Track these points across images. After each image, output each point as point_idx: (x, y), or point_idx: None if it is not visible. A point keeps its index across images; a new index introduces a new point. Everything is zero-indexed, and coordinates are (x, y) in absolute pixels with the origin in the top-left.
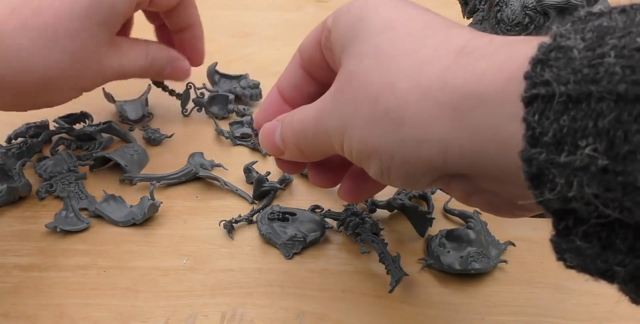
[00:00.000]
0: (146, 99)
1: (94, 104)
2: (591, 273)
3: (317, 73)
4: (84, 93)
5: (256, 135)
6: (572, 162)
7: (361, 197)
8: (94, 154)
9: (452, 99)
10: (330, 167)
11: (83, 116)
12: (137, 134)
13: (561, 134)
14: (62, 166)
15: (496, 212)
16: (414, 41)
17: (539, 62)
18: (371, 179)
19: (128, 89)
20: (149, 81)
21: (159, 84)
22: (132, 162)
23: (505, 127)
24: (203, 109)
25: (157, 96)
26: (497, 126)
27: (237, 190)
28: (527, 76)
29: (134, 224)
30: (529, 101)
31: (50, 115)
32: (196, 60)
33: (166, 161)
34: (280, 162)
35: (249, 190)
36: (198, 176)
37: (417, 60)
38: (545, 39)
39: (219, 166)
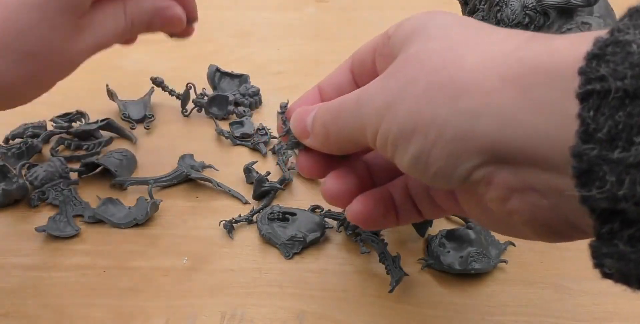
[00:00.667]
0: (149, 100)
1: (90, 103)
2: (631, 281)
3: (363, 79)
4: (83, 92)
5: (284, 123)
6: (625, 158)
7: (373, 223)
8: (83, 160)
9: (519, 72)
10: (325, 156)
11: (79, 115)
12: (136, 132)
13: (616, 130)
14: (53, 172)
15: (535, 226)
16: (483, 30)
17: (595, 57)
18: (384, 201)
19: (130, 89)
20: (150, 81)
21: (158, 83)
22: (121, 167)
23: (569, 104)
24: (203, 109)
25: (157, 96)
26: (561, 101)
27: (229, 190)
28: (582, 72)
29: (135, 224)
30: (583, 97)
31: (46, 115)
32: (190, 12)
33: (166, 161)
34: (303, 160)
35: (249, 190)
36: (190, 178)
37: (488, 41)
38: (602, 34)
39: (209, 167)
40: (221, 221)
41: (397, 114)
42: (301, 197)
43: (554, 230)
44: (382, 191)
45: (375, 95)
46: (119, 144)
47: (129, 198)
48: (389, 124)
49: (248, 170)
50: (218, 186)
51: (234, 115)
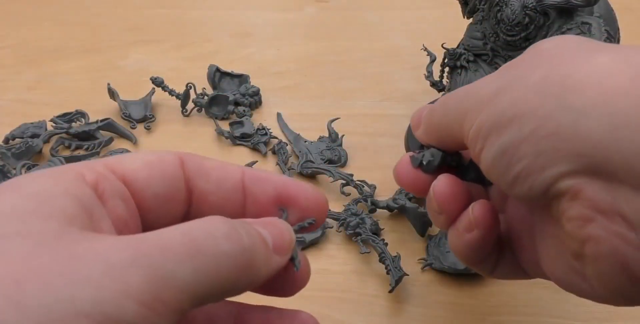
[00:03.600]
0: (150, 100)
1: (90, 103)
2: None
3: None
4: (83, 92)
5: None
6: None
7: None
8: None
9: None
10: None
11: (79, 115)
12: (136, 132)
13: None
14: None
15: (608, 266)
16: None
17: None
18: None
19: (130, 89)
20: (150, 81)
21: (158, 83)
22: None
23: None
24: (203, 109)
25: (157, 96)
26: None
27: None
28: None
29: None
30: None
31: (46, 115)
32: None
33: None
34: (400, 176)
35: None
36: None
37: (623, 47)
38: None
39: None
40: None
41: (499, 102)
42: None
43: (630, 276)
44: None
45: (486, 84)
46: (119, 144)
47: None
48: (488, 113)
49: None
50: None
51: (234, 115)
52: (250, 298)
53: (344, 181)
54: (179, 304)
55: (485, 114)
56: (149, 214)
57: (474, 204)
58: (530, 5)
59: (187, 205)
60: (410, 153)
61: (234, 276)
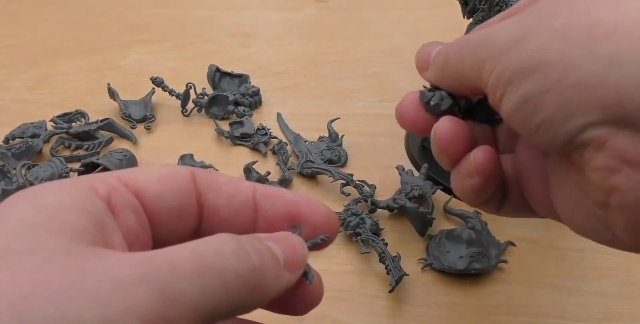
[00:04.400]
0: (150, 99)
1: (90, 103)
2: None
3: None
4: (83, 92)
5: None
6: None
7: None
8: (83, 161)
9: None
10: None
11: (79, 115)
12: (136, 132)
13: None
14: (53, 172)
15: (634, 216)
16: None
17: None
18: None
19: (130, 89)
20: (150, 81)
21: (158, 83)
22: (121, 167)
23: None
24: (203, 109)
25: (157, 96)
26: None
27: None
28: None
29: None
30: None
31: (46, 115)
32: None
33: (166, 161)
34: (403, 115)
35: None
36: None
37: None
38: None
39: (209, 167)
40: None
41: (523, 49)
42: None
43: None
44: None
45: (506, 29)
46: (119, 144)
47: None
48: (511, 59)
49: (248, 170)
50: None
51: (234, 115)
52: (263, 316)
53: (344, 181)
54: (187, 323)
55: (507, 60)
56: (160, 227)
57: (476, 150)
58: None
59: (199, 220)
60: (421, 89)
61: (243, 294)
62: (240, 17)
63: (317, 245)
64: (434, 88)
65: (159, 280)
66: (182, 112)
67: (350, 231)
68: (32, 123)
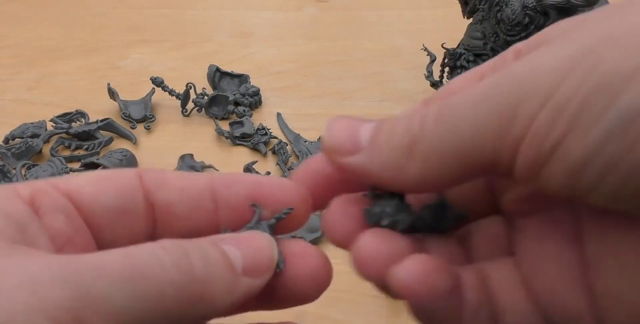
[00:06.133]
0: (150, 99)
1: (90, 103)
2: None
3: None
4: (83, 92)
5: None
6: None
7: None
8: (83, 161)
9: None
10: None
11: (79, 115)
12: (136, 132)
13: None
14: (53, 172)
15: None
16: None
17: None
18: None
19: (130, 89)
20: (150, 81)
21: (158, 83)
22: (122, 167)
23: None
24: (203, 109)
25: (157, 96)
26: None
27: None
28: None
29: None
30: None
31: (46, 115)
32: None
33: (166, 161)
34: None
35: None
36: None
37: None
38: None
39: (209, 167)
40: None
41: (603, 58)
42: None
43: None
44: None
45: (549, 55)
46: (119, 144)
47: None
48: (582, 76)
49: (248, 170)
50: None
51: (234, 115)
52: (263, 316)
53: None
54: None
55: (571, 84)
56: (102, 230)
57: (397, 267)
58: (530, 5)
59: (152, 221)
60: (363, 206)
61: (184, 306)
62: (240, 17)
63: (282, 220)
64: (376, 194)
65: (77, 280)
66: (182, 112)
67: None
68: (32, 123)
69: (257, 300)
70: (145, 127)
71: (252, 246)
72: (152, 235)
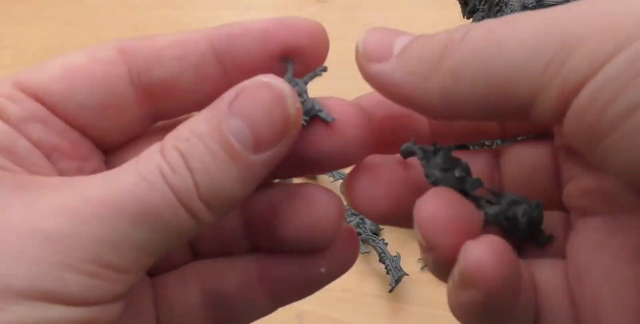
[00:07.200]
0: None
1: None
2: None
3: None
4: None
5: None
6: None
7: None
8: None
9: None
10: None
11: None
12: None
13: None
14: None
15: None
16: None
17: None
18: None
19: None
20: None
21: None
22: None
23: None
24: None
25: None
26: None
27: None
28: None
29: None
30: None
31: None
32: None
33: None
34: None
35: None
36: None
37: None
38: None
39: None
40: None
41: None
42: None
43: None
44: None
45: None
46: None
47: None
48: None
49: None
50: None
51: None
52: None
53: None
54: (137, 264)
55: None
56: (89, 129)
57: (471, 244)
58: (530, 6)
59: (148, 103)
60: (405, 145)
61: (201, 216)
62: (240, 17)
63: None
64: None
65: (91, 230)
66: None
67: None
68: None
69: (306, 159)
70: None
71: (261, 107)
72: (153, 115)
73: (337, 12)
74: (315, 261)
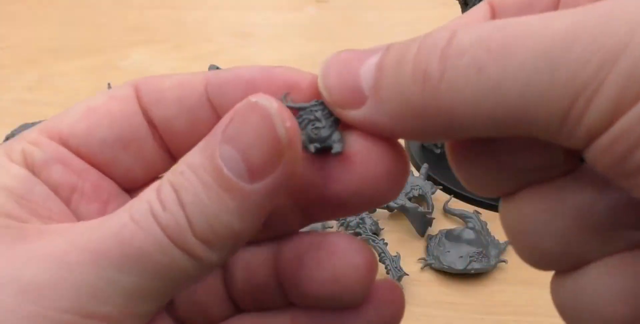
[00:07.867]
0: None
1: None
2: None
3: None
4: (83, 92)
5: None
6: None
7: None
8: None
9: None
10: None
11: None
12: None
13: None
14: None
15: None
16: None
17: None
18: None
19: None
20: None
21: None
22: None
23: None
24: None
25: None
26: None
27: None
28: None
29: None
30: None
31: (46, 115)
32: None
33: None
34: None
35: None
36: None
37: None
38: None
39: None
40: None
41: None
42: None
43: None
44: None
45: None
46: None
47: None
48: None
49: None
50: None
51: None
52: None
53: None
54: (127, 311)
55: None
56: (112, 165)
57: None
58: None
59: (160, 140)
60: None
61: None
62: (240, 17)
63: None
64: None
65: (78, 280)
66: None
67: (350, 231)
68: (32, 123)
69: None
70: None
71: (250, 130)
72: (165, 154)
73: (337, 12)
74: (350, 320)
